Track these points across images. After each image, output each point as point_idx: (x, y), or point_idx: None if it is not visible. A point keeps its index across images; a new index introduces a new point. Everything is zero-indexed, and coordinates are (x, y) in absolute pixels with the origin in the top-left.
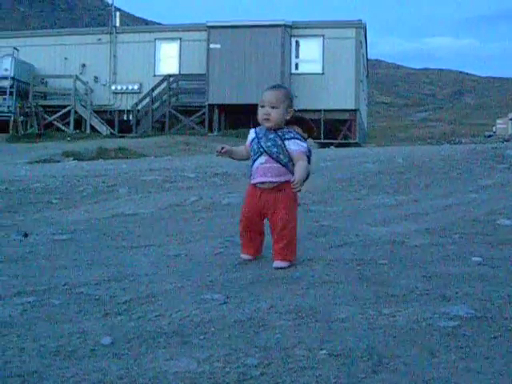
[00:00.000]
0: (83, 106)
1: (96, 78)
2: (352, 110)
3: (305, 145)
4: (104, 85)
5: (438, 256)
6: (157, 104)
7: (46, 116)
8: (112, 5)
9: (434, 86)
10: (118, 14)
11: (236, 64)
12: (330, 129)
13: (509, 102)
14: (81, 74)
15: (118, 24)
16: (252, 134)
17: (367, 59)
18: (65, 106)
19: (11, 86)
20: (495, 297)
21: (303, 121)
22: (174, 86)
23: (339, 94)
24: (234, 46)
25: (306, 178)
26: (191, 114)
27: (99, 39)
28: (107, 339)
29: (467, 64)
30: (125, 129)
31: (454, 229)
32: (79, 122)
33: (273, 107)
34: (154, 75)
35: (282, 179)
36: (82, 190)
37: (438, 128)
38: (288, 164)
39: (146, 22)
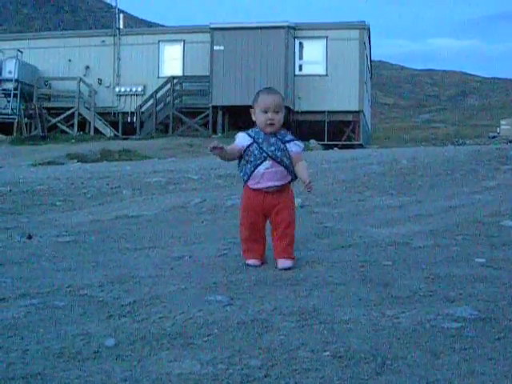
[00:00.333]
0: (87, 108)
1: (100, 80)
2: (356, 112)
3: (302, 145)
4: (108, 87)
5: (441, 257)
6: (160, 106)
7: (49, 118)
8: (116, 7)
9: (438, 87)
10: (121, 16)
11: (239, 66)
12: (334, 130)
13: None
14: (85, 76)
15: (121, 26)
16: (247, 138)
17: (371, 61)
18: (69, 108)
19: (15, 88)
20: (499, 298)
21: None
22: (178, 87)
23: (343, 96)
24: (237, 48)
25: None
26: (195, 115)
27: (103, 41)
28: (111, 341)
29: (471, 65)
30: (129, 131)
31: (458, 230)
32: (83, 124)
33: (276, 112)
34: (158, 77)
35: (285, 181)
36: (85, 192)
37: (442, 129)
38: (290, 166)
39: (150, 24)
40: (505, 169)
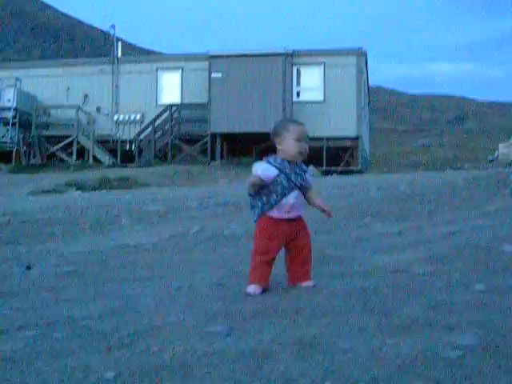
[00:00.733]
0: (86, 136)
1: (98, 108)
2: (354, 138)
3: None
4: (106, 115)
5: (441, 284)
6: (159, 133)
7: (48, 146)
8: (113, 35)
9: (436, 112)
10: (119, 44)
11: (238, 93)
12: (333, 156)
13: (511, 127)
14: (83, 104)
15: (119, 54)
16: (273, 169)
17: (368, 86)
18: (67, 137)
19: (14, 117)
20: (500, 325)
21: None
22: (176, 115)
23: (341, 122)
24: (235, 75)
25: None
26: (193, 143)
27: (101, 69)
28: (110, 374)
29: (468, 89)
30: (127, 158)
31: (458, 256)
32: (82, 152)
33: (306, 142)
34: (156, 105)
35: (304, 209)
36: (84, 222)
37: (441, 153)
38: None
39: (148, 52)
40: (504, 193)
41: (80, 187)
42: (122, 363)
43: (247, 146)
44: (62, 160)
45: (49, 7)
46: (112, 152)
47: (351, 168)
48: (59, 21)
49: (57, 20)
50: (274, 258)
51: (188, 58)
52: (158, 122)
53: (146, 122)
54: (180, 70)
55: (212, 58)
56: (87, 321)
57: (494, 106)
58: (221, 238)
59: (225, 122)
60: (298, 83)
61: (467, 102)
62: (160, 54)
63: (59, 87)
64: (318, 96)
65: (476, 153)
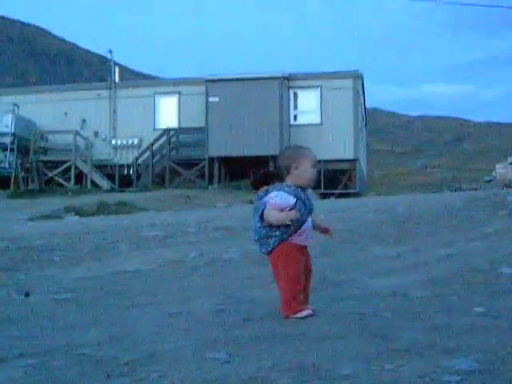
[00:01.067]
0: (84, 160)
1: (96, 132)
2: (351, 160)
3: None
4: (104, 139)
5: (440, 307)
6: (157, 158)
7: (46, 171)
8: (111, 60)
9: (433, 133)
10: (117, 68)
11: (235, 117)
12: (330, 179)
13: (508, 147)
14: (81, 129)
15: (117, 79)
16: (291, 197)
17: (365, 108)
18: (65, 162)
19: (12, 142)
20: (499, 348)
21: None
22: (174, 139)
23: (338, 144)
24: (232, 99)
25: None
26: (191, 167)
27: (99, 94)
28: None
29: (465, 110)
30: (125, 183)
31: (456, 279)
32: (80, 177)
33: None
34: (154, 129)
35: None
36: (83, 247)
37: (438, 174)
38: None
39: (145, 77)
40: (501, 214)
41: (78, 212)
42: None
43: (245, 170)
44: (60, 185)
45: (46, 32)
46: (110, 177)
47: (349, 190)
48: (57, 46)
49: (54, 45)
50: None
51: (185, 82)
52: (156, 146)
53: (144, 146)
54: (177, 95)
55: (209, 82)
56: (86, 348)
57: (491, 127)
58: (219, 263)
59: (222, 145)
60: (295, 106)
61: (464, 123)
62: (157, 78)
63: (57, 112)
64: (315, 119)
65: (473, 173)
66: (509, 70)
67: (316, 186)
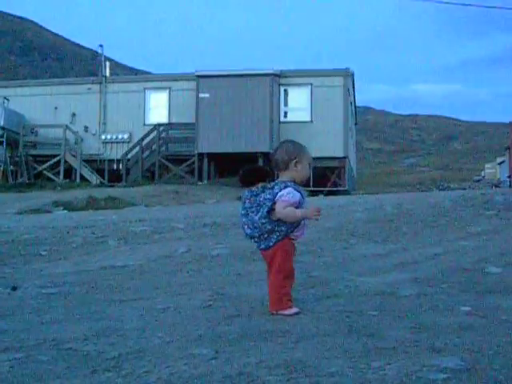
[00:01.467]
0: (73, 155)
1: (86, 127)
2: (341, 158)
3: None
4: (94, 134)
5: (427, 306)
6: (147, 153)
7: (35, 165)
8: (102, 55)
9: (422, 132)
10: (107, 63)
11: (225, 113)
12: (320, 176)
13: (497, 147)
14: (71, 123)
15: (107, 74)
16: (297, 194)
17: (355, 106)
18: (55, 156)
19: (1, 136)
20: (484, 347)
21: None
22: (164, 135)
23: (328, 142)
24: (222, 95)
25: None
26: (181, 162)
27: (89, 89)
28: None
29: (455, 109)
30: (115, 178)
31: (443, 278)
32: (69, 172)
33: None
34: (144, 124)
35: None
36: (71, 242)
37: (427, 173)
38: None
39: (136, 72)
40: (489, 214)
41: (67, 207)
42: None
43: (234, 166)
44: (49, 179)
45: (37, 26)
46: (99, 171)
47: (338, 188)
48: (48, 39)
49: (45, 39)
50: None
51: (176, 77)
52: (146, 141)
53: (134, 141)
54: (168, 90)
55: (199, 77)
56: (73, 343)
57: (480, 127)
58: (208, 259)
59: (212, 141)
60: (286, 103)
61: (453, 123)
62: (148, 73)
63: (47, 106)
64: (306, 116)
65: (462, 173)
66: (499, 70)
67: (305, 184)
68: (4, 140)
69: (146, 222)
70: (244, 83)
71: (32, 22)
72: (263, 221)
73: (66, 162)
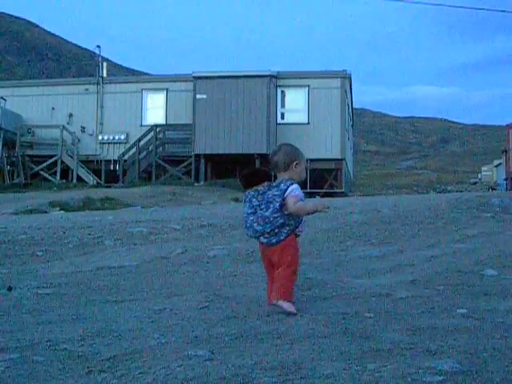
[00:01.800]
0: (70, 155)
1: (83, 127)
2: (338, 160)
3: None
4: (91, 135)
5: (423, 308)
6: (143, 154)
7: (32, 166)
8: (99, 55)
9: (420, 134)
10: (105, 64)
11: (222, 114)
12: (316, 178)
13: (494, 150)
14: (68, 123)
15: (105, 74)
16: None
17: (352, 108)
18: (51, 156)
19: None
20: (480, 350)
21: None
22: (161, 135)
23: (325, 144)
24: (219, 97)
25: None
26: (178, 163)
27: (86, 89)
28: None
29: (452, 112)
30: (111, 179)
31: (439, 280)
32: (66, 172)
33: None
34: (141, 125)
35: None
36: (67, 242)
37: (424, 176)
38: None
39: (134, 72)
40: (486, 216)
41: (63, 207)
42: None
43: (231, 168)
44: (45, 180)
45: (35, 26)
46: (96, 172)
47: (335, 190)
48: (45, 40)
49: (43, 39)
50: None
51: (173, 78)
52: (143, 142)
53: (131, 142)
54: (165, 91)
55: (197, 79)
56: (68, 344)
57: (477, 129)
58: (204, 260)
59: (209, 143)
60: (283, 105)
61: (450, 125)
62: (145, 74)
63: (44, 107)
64: (303, 118)
65: (459, 175)
66: (496, 73)
67: (302, 185)
68: (1, 140)
69: (142, 222)
70: (241, 84)
71: (29, 22)
72: (275, 215)
73: (62, 162)
